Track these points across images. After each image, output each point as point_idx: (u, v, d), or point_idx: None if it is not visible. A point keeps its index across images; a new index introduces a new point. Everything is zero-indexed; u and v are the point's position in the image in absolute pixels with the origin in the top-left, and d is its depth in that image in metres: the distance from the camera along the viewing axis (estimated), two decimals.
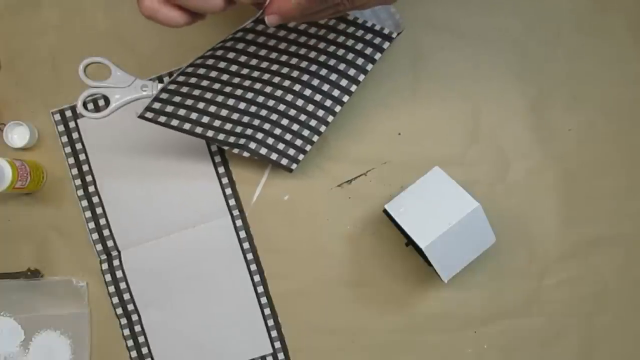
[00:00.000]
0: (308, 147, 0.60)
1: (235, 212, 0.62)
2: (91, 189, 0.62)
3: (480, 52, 0.62)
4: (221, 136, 0.57)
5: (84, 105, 0.62)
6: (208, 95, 0.54)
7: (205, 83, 0.53)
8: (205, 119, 0.55)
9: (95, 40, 0.63)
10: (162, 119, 0.54)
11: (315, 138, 0.59)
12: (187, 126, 0.55)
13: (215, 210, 0.62)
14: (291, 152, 0.59)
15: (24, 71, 0.63)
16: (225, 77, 0.53)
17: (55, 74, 0.63)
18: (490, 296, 0.62)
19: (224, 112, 0.55)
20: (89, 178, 0.62)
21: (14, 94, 0.63)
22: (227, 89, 0.54)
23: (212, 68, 0.52)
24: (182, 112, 0.54)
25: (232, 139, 0.57)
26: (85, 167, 0.62)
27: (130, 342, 0.62)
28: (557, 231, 0.62)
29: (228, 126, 0.56)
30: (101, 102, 0.62)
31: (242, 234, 0.62)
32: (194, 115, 0.54)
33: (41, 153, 0.63)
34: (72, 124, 0.63)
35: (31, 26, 0.63)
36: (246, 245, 0.62)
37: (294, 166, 0.61)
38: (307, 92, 0.56)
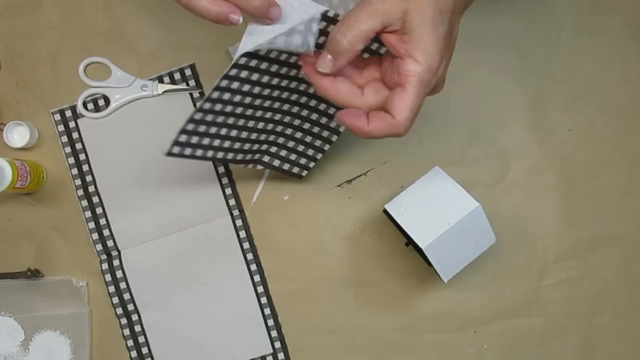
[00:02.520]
0: (319, 156, 0.60)
1: (235, 212, 0.62)
2: (91, 189, 0.62)
3: (479, 52, 0.62)
4: (239, 156, 0.55)
5: (84, 105, 0.62)
6: (230, 120, 0.51)
7: (229, 109, 0.50)
8: (227, 144, 0.53)
9: (95, 40, 0.63)
10: (188, 151, 0.50)
11: (327, 147, 0.59)
12: (209, 153, 0.52)
13: (215, 210, 0.62)
14: (303, 161, 0.59)
15: (24, 71, 0.63)
16: (248, 99, 0.51)
17: (55, 74, 0.63)
18: (490, 296, 0.62)
19: (244, 135, 0.53)
20: (89, 178, 0.62)
21: (14, 94, 0.63)
22: (249, 112, 0.52)
23: (235, 92, 0.49)
24: (206, 140, 0.51)
25: (248, 157, 0.56)
26: (85, 167, 0.62)
27: (130, 342, 0.62)
28: (557, 231, 0.62)
29: (247, 146, 0.55)
30: (101, 102, 0.62)
31: (242, 234, 0.62)
32: (216, 142, 0.52)
33: (41, 153, 0.63)
34: (72, 124, 0.63)
35: (31, 26, 0.63)
36: (246, 245, 0.62)
37: (304, 173, 0.61)
38: (322, 106, 0.56)
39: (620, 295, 0.62)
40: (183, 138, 0.49)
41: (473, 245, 0.56)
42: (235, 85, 0.48)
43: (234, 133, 0.53)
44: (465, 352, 0.62)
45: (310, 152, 0.59)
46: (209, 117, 0.50)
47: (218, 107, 0.49)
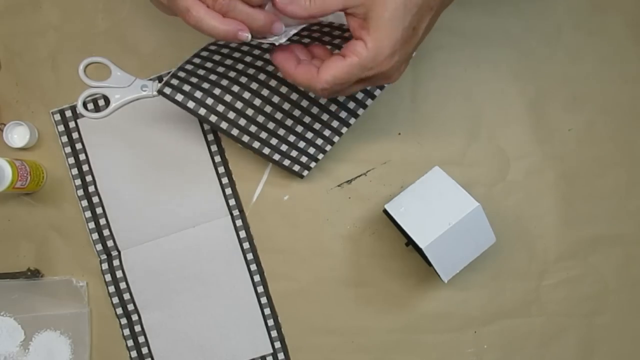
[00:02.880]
0: (320, 156, 0.60)
1: (235, 212, 0.62)
2: (91, 189, 0.62)
3: (480, 52, 0.62)
4: (235, 131, 0.56)
5: (84, 105, 0.62)
6: (224, 82, 0.53)
7: (221, 70, 0.52)
8: (221, 108, 0.54)
9: (95, 40, 0.63)
10: (180, 97, 0.53)
11: (329, 147, 0.60)
12: (202, 111, 0.54)
13: (215, 210, 0.62)
14: (304, 159, 0.60)
15: (24, 71, 0.63)
16: (240, 66, 0.53)
17: (55, 74, 0.63)
18: (490, 296, 0.62)
19: (239, 105, 0.55)
20: (89, 178, 0.62)
21: (14, 94, 0.63)
22: (243, 80, 0.54)
23: (227, 56, 0.52)
24: (198, 94, 0.53)
25: (245, 138, 0.57)
26: (85, 167, 0.62)
27: (130, 342, 0.62)
28: (557, 231, 0.62)
29: (242, 122, 0.55)
30: (101, 102, 0.62)
31: (242, 234, 0.62)
32: (209, 101, 0.54)
33: (41, 153, 0.63)
34: (72, 124, 0.63)
35: (31, 26, 0.63)
36: (246, 245, 0.62)
37: (305, 172, 0.61)
38: (322, 100, 0.56)
39: (620, 295, 0.62)
40: (174, 82, 0.52)
41: (473, 245, 0.56)
42: (225, 50, 0.50)
43: (228, 98, 0.54)
44: (465, 352, 0.62)
45: (312, 150, 0.59)
46: (201, 72, 0.52)
47: (209, 65, 0.52)
